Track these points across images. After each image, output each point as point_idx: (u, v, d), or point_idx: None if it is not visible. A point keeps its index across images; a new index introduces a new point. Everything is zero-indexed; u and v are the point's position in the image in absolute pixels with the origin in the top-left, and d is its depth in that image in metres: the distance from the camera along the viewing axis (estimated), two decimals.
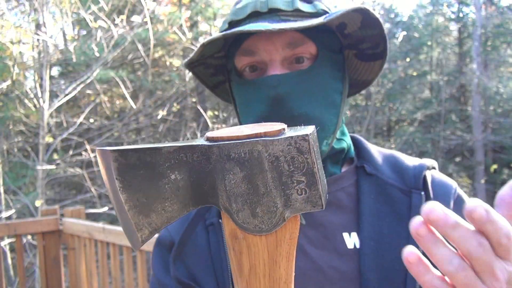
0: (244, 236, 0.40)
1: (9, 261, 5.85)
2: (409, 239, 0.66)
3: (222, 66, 0.82)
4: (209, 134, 0.40)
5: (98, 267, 2.83)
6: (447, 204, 0.71)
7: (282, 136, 0.38)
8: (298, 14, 0.68)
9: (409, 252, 0.41)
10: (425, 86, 16.21)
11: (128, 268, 2.46)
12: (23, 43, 7.63)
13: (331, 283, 0.67)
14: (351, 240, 0.69)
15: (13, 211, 5.55)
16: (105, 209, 6.07)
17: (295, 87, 0.67)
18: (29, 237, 5.44)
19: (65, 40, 9.05)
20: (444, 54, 15.54)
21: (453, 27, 16.53)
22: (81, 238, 2.89)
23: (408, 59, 14.97)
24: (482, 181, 12.70)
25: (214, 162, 0.39)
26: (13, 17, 7.06)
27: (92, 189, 5.71)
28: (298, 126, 0.41)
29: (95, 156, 5.82)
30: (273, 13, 0.68)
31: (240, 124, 0.73)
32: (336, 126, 0.71)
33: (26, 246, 5.77)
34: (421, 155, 13.84)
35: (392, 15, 16.13)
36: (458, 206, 0.71)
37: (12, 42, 5.55)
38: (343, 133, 0.77)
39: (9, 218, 5.57)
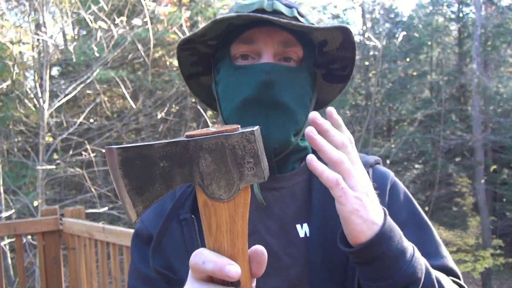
0: (212, 203, 0.56)
1: (9, 261, 5.85)
2: None
3: (206, 57, 0.88)
4: (187, 133, 0.56)
5: (98, 267, 2.83)
6: (383, 192, 0.81)
7: (237, 132, 0.54)
8: (296, 21, 0.77)
9: (313, 115, 0.63)
10: (425, 86, 16.20)
11: (128, 268, 2.46)
12: (23, 43, 7.63)
13: (286, 268, 0.77)
14: (303, 230, 0.79)
15: (13, 211, 5.55)
16: (105, 209, 6.08)
17: (284, 78, 0.76)
18: (29, 237, 5.44)
19: (65, 40, 9.05)
20: (444, 54, 15.54)
21: (453, 27, 16.53)
22: (81, 238, 2.89)
23: (408, 59, 14.97)
24: (482, 181, 12.70)
25: (191, 151, 0.54)
26: (13, 17, 7.06)
27: (92, 189, 5.71)
28: (248, 126, 0.57)
29: (95, 156, 5.82)
30: (276, 14, 0.76)
31: (221, 110, 0.83)
32: (304, 125, 0.81)
33: (26, 246, 5.77)
34: (421, 155, 13.85)
35: (392, 15, 16.13)
36: (393, 192, 0.83)
37: (12, 42, 5.54)
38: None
39: (9, 218, 5.57)
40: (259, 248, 0.58)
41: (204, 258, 0.55)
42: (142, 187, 0.55)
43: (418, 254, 0.66)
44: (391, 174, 0.86)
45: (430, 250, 0.78)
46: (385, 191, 0.82)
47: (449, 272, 0.77)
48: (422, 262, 0.66)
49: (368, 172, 0.81)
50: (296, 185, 0.83)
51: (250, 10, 0.76)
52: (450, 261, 0.79)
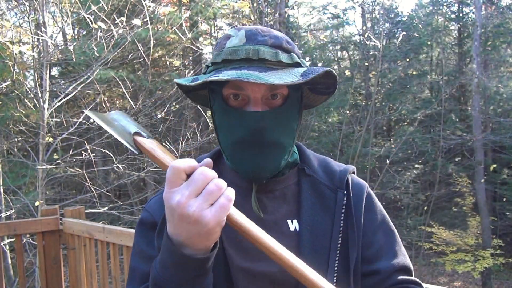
0: None
1: (9, 261, 5.85)
2: (333, 226, 0.91)
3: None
4: (136, 138, 0.88)
5: (98, 267, 2.83)
6: (361, 199, 0.97)
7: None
8: (280, 64, 0.85)
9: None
10: (425, 86, 16.20)
11: (128, 268, 2.46)
12: (23, 43, 7.62)
13: None
14: (293, 225, 0.92)
15: (13, 211, 5.54)
16: (105, 209, 6.07)
17: (271, 122, 0.86)
18: (29, 237, 5.44)
19: (65, 40, 9.05)
20: (444, 54, 15.54)
21: (453, 27, 16.53)
22: (81, 238, 2.89)
23: (408, 59, 14.96)
24: (482, 181, 12.70)
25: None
26: (13, 17, 7.06)
27: (92, 189, 5.71)
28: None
29: (95, 156, 5.82)
30: (261, 62, 0.84)
31: (218, 137, 0.95)
32: (292, 146, 0.93)
33: (26, 246, 5.77)
34: (421, 155, 13.84)
35: (392, 15, 16.12)
36: (368, 201, 0.99)
37: (12, 42, 5.54)
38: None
39: (9, 218, 5.57)
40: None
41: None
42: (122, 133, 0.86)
43: None
44: (366, 185, 1.02)
45: (395, 250, 0.97)
46: (362, 200, 0.97)
47: (407, 268, 0.95)
48: None
49: (347, 178, 0.97)
50: (287, 188, 0.96)
51: (237, 57, 0.84)
52: (407, 259, 0.98)
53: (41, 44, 5.56)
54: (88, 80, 5.53)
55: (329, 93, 0.97)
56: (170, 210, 0.69)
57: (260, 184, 0.93)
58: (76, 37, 9.28)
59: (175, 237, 0.71)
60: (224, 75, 0.79)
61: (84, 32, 7.95)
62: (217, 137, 0.94)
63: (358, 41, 15.36)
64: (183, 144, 6.24)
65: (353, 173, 1.03)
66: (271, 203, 0.94)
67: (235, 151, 0.89)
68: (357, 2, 14.79)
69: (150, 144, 0.84)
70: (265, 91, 0.85)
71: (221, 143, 0.93)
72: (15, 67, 4.69)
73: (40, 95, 5.21)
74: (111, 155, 5.75)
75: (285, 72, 0.83)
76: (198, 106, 7.83)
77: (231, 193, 0.69)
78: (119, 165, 5.74)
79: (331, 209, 0.93)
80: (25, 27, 6.53)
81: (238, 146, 0.87)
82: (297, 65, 0.88)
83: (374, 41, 11.19)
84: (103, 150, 6.36)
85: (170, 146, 6.22)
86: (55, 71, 10.35)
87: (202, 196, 0.67)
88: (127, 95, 6.19)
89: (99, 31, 5.03)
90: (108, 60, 5.65)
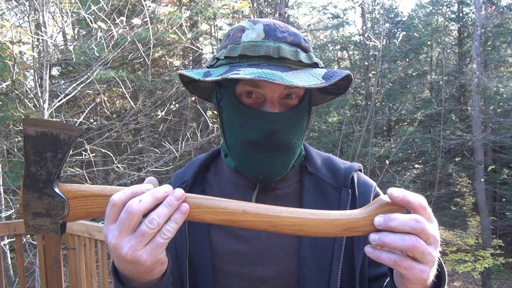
0: None
1: (9, 261, 5.85)
2: None
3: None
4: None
5: (98, 267, 2.83)
6: (367, 199, 0.91)
7: None
8: (300, 63, 0.81)
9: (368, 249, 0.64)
10: (425, 86, 16.21)
11: None
12: (23, 43, 7.62)
13: (277, 260, 0.86)
14: None
15: (13, 211, 5.55)
16: None
17: (286, 124, 0.82)
18: (29, 237, 5.44)
19: (65, 40, 9.05)
20: (444, 54, 15.53)
21: (453, 27, 16.53)
22: (81, 238, 2.89)
23: (408, 59, 14.95)
24: (482, 180, 12.69)
25: None
26: (13, 17, 7.06)
27: None
28: None
29: (95, 156, 5.82)
30: (281, 60, 0.79)
31: (224, 134, 0.88)
32: (300, 147, 0.89)
33: (26, 246, 5.77)
34: (421, 155, 13.83)
35: (392, 15, 16.13)
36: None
37: (12, 42, 5.54)
38: None
39: (9, 218, 5.57)
40: None
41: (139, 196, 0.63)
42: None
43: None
44: (374, 184, 0.97)
45: None
46: (369, 199, 0.92)
47: None
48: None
49: (353, 176, 0.92)
50: (288, 187, 0.92)
51: (256, 54, 0.79)
52: None
53: (41, 44, 5.56)
54: (88, 80, 5.53)
55: (338, 93, 0.93)
56: (108, 247, 0.65)
57: (265, 185, 0.89)
58: (76, 37, 9.28)
59: (120, 271, 0.68)
60: (245, 73, 0.74)
61: (84, 32, 7.95)
62: (222, 134, 0.89)
63: (358, 41, 15.35)
64: (183, 144, 6.24)
65: (360, 170, 0.98)
66: (272, 203, 0.87)
67: (245, 152, 0.83)
68: (357, 2, 14.79)
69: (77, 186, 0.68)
70: (283, 90, 0.82)
71: (227, 141, 0.87)
72: (15, 67, 4.69)
73: (40, 95, 5.21)
74: (111, 155, 5.75)
75: (305, 73, 0.80)
76: (198, 106, 7.83)
77: (172, 226, 0.62)
78: (119, 165, 5.74)
79: (334, 208, 0.88)
80: (25, 27, 6.53)
81: (250, 147, 0.82)
82: (315, 65, 0.84)
83: (374, 41, 11.18)
84: (103, 150, 6.37)
85: (170, 146, 6.22)
86: (55, 71, 10.36)
87: (135, 237, 0.61)
88: (127, 95, 6.19)
89: (99, 31, 5.03)
90: (108, 60, 5.65)
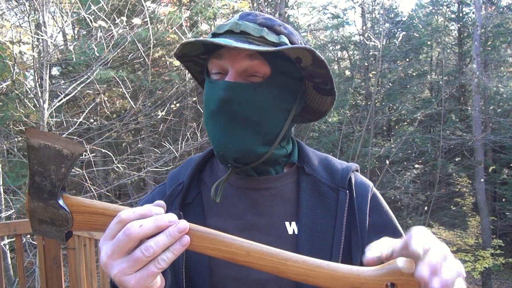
0: None
1: (9, 261, 5.85)
2: (335, 228, 0.85)
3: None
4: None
5: (98, 267, 2.83)
6: (365, 200, 0.90)
7: None
8: (262, 40, 0.81)
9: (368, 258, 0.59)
10: (425, 86, 16.22)
11: None
12: (23, 43, 7.62)
13: None
14: (291, 227, 0.86)
15: (13, 211, 5.55)
16: None
17: (243, 94, 0.80)
18: (29, 237, 5.44)
19: (65, 40, 9.05)
20: (444, 54, 15.54)
21: (453, 27, 16.53)
22: (81, 238, 2.89)
23: (408, 59, 14.96)
24: (482, 180, 12.70)
25: None
26: (13, 17, 7.06)
27: (92, 189, 5.70)
28: None
29: (94, 156, 5.82)
30: (242, 35, 0.82)
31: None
32: (277, 137, 0.85)
33: (26, 246, 5.77)
34: (421, 155, 13.84)
35: (392, 15, 16.13)
36: (374, 201, 0.92)
37: (12, 42, 5.54)
38: (287, 142, 0.93)
39: (9, 218, 5.57)
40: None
41: (139, 221, 0.59)
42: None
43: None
44: (371, 184, 0.96)
45: None
46: (367, 200, 0.91)
47: None
48: None
49: (350, 177, 0.91)
50: (285, 186, 0.91)
51: (222, 31, 0.84)
52: None
53: (41, 44, 5.56)
54: (88, 80, 5.53)
55: (330, 92, 0.92)
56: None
57: (241, 173, 0.88)
58: (76, 37, 9.29)
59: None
60: (198, 41, 0.79)
61: (84, 32, 7.95)
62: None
63: (358, 41, 15.36)
64: (183, 144, 6.24)
65: (357, 171, 0.96)
66: (266, 201, 0.88)
67: (208, 126, 0.84)
68: (357, 2, 14.79)
69: (83, 200, 0.67)
70: (245, 64, 0.81)
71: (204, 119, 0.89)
72: (15, 67, 4.69)
73: (40, 95, 5.21)
74: (111, 155, 5.75)
75: (263, 46, 0.79)
76: (198, 106, 7.83)
77: (168, 256, 0.59)
78: (119, 165, 5.74)
79: (332, 210, 0.87)
80: (25, 27, 6.53)
81: (210, 120, 0.83)
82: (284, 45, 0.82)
83: (374, 41, 11.19)
84: (103, 150, 6.37)
85: (170, 146, 6.22)
86: (55, 71, 10.36)
87: (127, 261, 0.59)
88: (127, 95, 6.19)
89: (99, 31, 5.03)
90: (108, 60, 5.65)
